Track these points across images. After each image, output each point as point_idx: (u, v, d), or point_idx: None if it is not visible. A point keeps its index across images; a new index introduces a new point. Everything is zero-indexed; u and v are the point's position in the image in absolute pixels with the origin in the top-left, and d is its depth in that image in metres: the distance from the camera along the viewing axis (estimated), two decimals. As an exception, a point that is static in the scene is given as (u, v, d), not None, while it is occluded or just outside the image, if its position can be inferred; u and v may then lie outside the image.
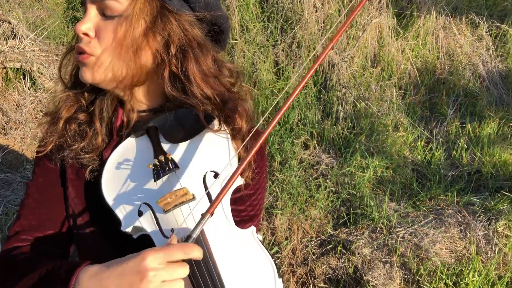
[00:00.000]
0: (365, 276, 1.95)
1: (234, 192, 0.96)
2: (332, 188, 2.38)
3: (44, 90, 2.93)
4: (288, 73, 2.81)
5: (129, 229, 0.87)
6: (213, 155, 0.92)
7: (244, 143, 0.90)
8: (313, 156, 2.58)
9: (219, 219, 0.87)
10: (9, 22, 2.99)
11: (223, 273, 0.81)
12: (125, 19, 0.87)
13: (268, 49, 2.94)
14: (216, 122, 0.94)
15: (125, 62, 0.91)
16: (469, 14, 3.14)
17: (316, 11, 3.02)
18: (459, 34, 3.06)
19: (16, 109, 2.79)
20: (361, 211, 2.25)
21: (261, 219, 2.13)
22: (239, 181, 0.96)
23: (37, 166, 1.03)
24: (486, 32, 3.11)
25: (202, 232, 0.82)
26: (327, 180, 2.42)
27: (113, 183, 0.91)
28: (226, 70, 1.02)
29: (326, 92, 2.76)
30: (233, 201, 0.94)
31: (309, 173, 2.49)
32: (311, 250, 2.10)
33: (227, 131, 0.94)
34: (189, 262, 0.77)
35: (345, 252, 2.07)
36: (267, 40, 3.01)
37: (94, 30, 0.88)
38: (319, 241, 2.16)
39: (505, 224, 2.14)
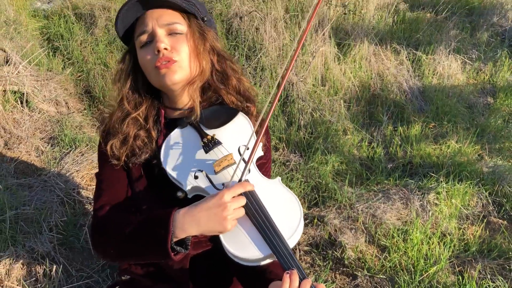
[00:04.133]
0: (338, 238, 2.52)
1: (256, 161, 1.34)
2: (302, 179, 2.95)
3: (38, 110, 3.26)
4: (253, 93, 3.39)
5: (188, 189, 1.21)
6: (242, 134, 1.30)
7: (258, 121, 1.22)
8: (283, 156, 3.15)
9: (254, 173, 1.25)
10: (4, 51, 3.31)
11: (265, 204, 1.16)
12: (188, 34, 1.30)
13: (237, 72, 3.52)
14: (240, 114, 1.36)
15: (194, 63, 1.30)
16: (392, 44, 3.94)
17: (274, 41, 3.66)
18: (386, 59, 3.83)
19: (15, 126, 3.09)
20: (327, 194, 2.84)
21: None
22: (260, 152, 1.34)
23: (102, 159, 1.37)
24: (406, 57, 3.92)
25: (247, 180, 1.18)
26: (297, 174, 2.99)
27: (170, 159, 1.28)
28: (243, 76, 1.56)
29: (289, 105, 3.38)
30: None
31: (281, 169, 3.05)
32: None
33: (248, 118, 1.35)
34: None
35: (319, 224, 2.63)
36: (235, 65, 3.59)
37: (170, 45, 1.26)
38: (298, 218, 2.70)
39: (434, 196, 2.80)
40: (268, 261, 1.14)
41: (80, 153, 2.93)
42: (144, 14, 1.29)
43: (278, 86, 1.30)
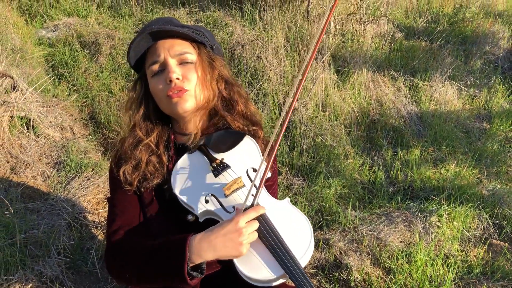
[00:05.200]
0: (343, 261, 2.55)
1: (264, 182, 1.36)
2: (305, 203, 2.99)
3: (43, 136, 3.29)
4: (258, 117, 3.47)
5: (199, 213, 1.24)
6: (249, 157, 1.35)
7: (269, 145, 1.25)
8: (286, 180, 3.20)
9: (264, 195, 1.29)
10: (12, 77, 3.37)
11: (276, 225, 1.20)
12: (197, 63, 1.36)
13: (240, 98, 3.60)
14: (246, 137, 1.40)
15: (203, 92, 1.36)
16: (390, 71, 4.06)
17: (275, 68, 3.76)
18: (384, 85, 3.93)
19: (21, 151, 3.13)
20: (331, 217, 2.87)
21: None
22: (268, 174, 1.35)
23: (114, 184, 1.41)
24: (403, 84, 4.03)
25: (258, 203, 1.21)
26: (301, 197, 3.03)
27: (181, 184, 1.31)
28: (249, 100, 1.62)
29: (291, 130, 3.45)
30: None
31: (285, 193, 3.09)
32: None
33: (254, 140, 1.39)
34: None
35: (325, 246, 2.66)
36: (238, 91, 3.68)
37: (181, 74, 1.32)
38: (303, 241, 2.73)
39: (436, 218, 2.85)
40: (281, 281, 1.17)
41: (86, 177, 2.96)
42: (156, 44, 1.34)
43: (287, 111, 1.32)
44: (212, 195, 1.27)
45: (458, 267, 2.57)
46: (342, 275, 2.47)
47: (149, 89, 1.39)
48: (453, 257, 2.63)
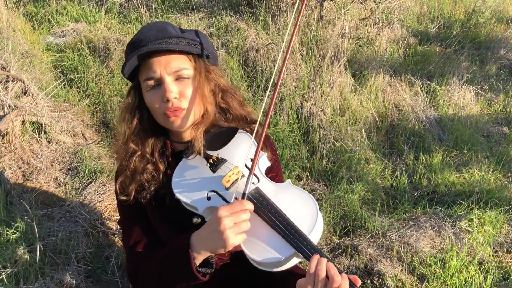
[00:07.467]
0: (375, 268, 2.44)
1: (266, 173, 1.34)
2: (329, 209, 2.89)
3: (55, 141, 3.18)
4: (275, 120, 3.37)
5: (203, 211, 1.24)
6: (244, 149, 1.34)
7: (255, 130, 1.29)
8: (307, 185, 3.10)
9: (264, 181, 1.29)
10: (23, 82, 3.27)
11: (280, 207, 1.19)
12: (194, 78, 1.34)
13: (256, 103, 3.51)
14: (239, 131, 1.40)
15: (199, 107, 1.36)
16: (406, 75, 3.99)
17: (291, 72, 3.68)
18: (401, 90, 3.86)
19: (33, 157, 3.01)
20: (358, 223, 2.77)
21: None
22: (267, 163, 1.38)
23: (119, 201, 1.43)
24: (420, 88, 3.97)
25: (258, 189, 1.23)
26: (325, 203, 2.93)
27: (182, 188, 1.32)
28: (243, 101, 1.56)
29: (310, 134, 3.36)
30: None
31: (307, 199, 2.98)
32: (326, 254, 2.55)
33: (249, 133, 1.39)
34: (257, 208, 1.18)
35: (353, 253, 2.55)
36: (254, 96, 3.60)
37: (178, 92, 1.30)
38: (329, 248, 2.63)
39: (466, 223, 2.76)
40: (294, 260, 1.14)
41: (101, 183, 2.85)
42: (151, 59, 1.30)
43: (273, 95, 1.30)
44: (213, 191, 1.26)
45: (493, 274, 2.46)
46: (374, 282, 2.36)
47: (143, 99, 1.37)
48: (488, 263, 2.53)
